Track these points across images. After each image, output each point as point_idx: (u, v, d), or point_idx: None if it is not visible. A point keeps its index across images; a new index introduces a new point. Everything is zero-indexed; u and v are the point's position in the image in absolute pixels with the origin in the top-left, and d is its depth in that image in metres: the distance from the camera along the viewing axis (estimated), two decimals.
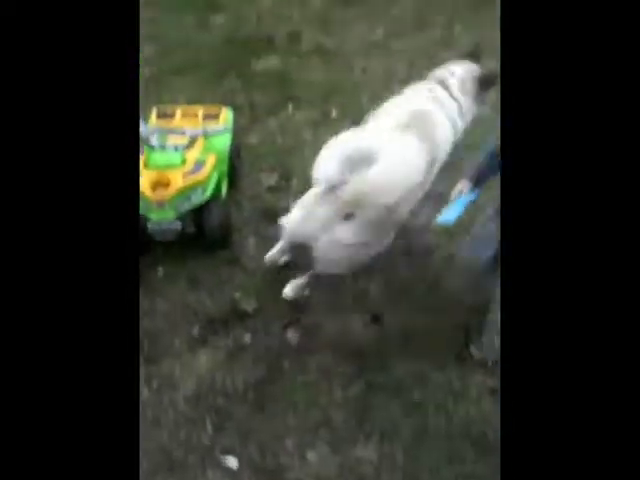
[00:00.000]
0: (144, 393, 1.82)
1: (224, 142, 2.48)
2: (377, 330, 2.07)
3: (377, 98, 3.33)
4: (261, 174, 2.72)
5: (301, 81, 3.43)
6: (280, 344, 2.01)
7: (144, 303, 2.07)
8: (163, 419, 1.76)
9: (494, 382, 1.87)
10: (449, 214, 1.84)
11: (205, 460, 1.64)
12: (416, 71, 3.61)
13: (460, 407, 1.82)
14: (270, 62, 3.62)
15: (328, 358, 1.96)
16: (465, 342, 2.01)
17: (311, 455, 1.70)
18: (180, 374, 1.88)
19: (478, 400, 1.85)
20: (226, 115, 2.60)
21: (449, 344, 2.02)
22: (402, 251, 2.42)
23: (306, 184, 2.64)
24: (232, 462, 1.66)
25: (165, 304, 2.11)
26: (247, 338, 2.03)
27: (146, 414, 1.76)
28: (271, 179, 2.69)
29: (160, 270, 2.21)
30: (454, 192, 1.87)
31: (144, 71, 3.45)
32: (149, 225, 2.18)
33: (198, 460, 1.65)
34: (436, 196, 2.71)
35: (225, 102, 2.82)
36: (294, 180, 2.71)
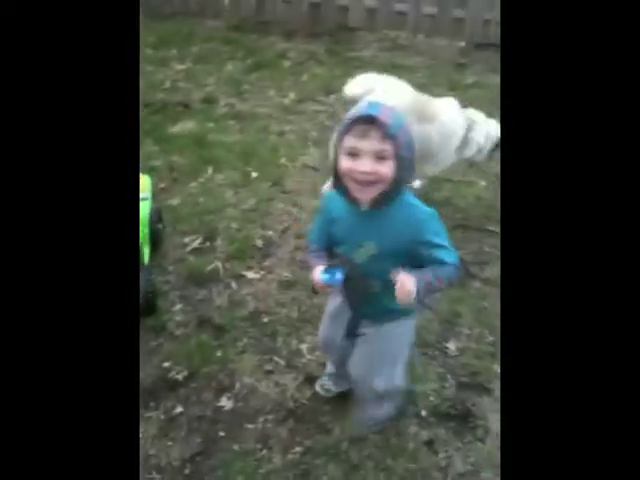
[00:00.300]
0: None
1: (143, 210, 2.43)
2: (311, 391, 2.07)
3: (294, 159, 3.47)
4: (184, 237, 2.69)
5: (219, 144, 3.48)
6: (214, 412, 1.95)
7: None
8: None
9: (428, 433, 1.93)
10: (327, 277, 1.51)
11: None
12: (328, 132, 3.82)
13: (399, 463, 1.85)
14: (187, 126, 3.65)
15: (265, 423, 1.92)
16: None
17: None
18: None
19: (415, 453, 1.88)
20: (144, 182, 2.56)
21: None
22: None
23: (230, 244, 2.66)
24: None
25: None
26: (179, 408, 1.95)
27: None
28: (195, 241, 2.67)
29: None
30: None
31: None
32: None
33: None
34: None
35: (144, 166, 2.79)
36: (218, 241, 2.71)
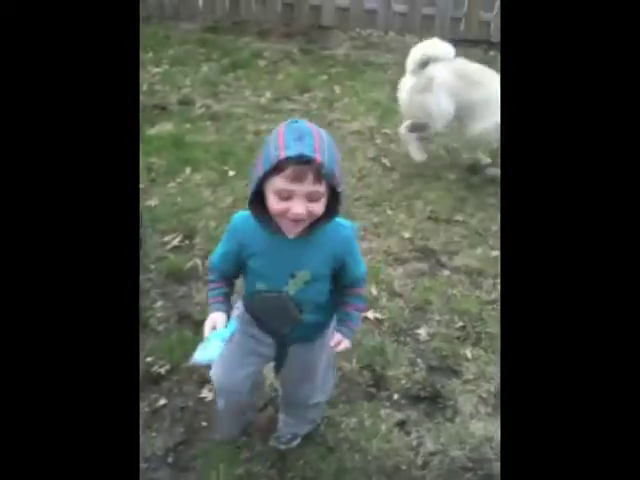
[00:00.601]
0: None
1: None
2: None
3: None
4: (164, 236, 2.76)
5: (196, 144, 3.56)
6: (196, 403, 2.04)
7: None
8: None
9: (401, 415, 2.04)
10: (204, 354, 1.34)
11: None
12: None
13: (373, 444, 1.95)
14: (164, 128, 3.72)
15: None
16: (372, 380, 2.17)
17: None
18: None
19: (388, 434, 1.99)
20: None
21: (357, 384, 2.17)
22: None
23: (210, 242, 2.74)
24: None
25: None
26: (162, 401, 2.03)
27: None
28: (175, 240, 2.75)
29: None
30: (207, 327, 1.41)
31: None
32: None
33: None
34: None
35: None
36: (197, 239, 2.79)
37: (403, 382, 2.17)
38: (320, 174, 1.22)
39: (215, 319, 1.41)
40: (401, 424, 2.02)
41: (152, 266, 2.59)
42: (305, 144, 1.20)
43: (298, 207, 1.24)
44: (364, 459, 1.90)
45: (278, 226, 1.33)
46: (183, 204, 3.02)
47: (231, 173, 3.33)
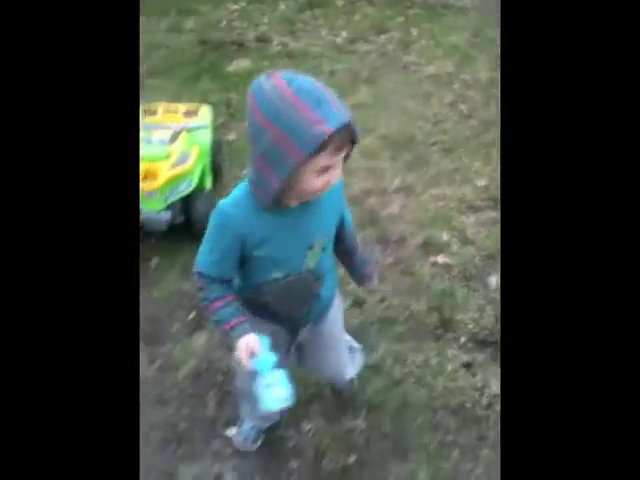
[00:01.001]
0: (147, 373, 1.92)
1: (205, 136, 2.59)
2: (359, 314, 2.23)
3: (345, 98, 3.52)
4: (242, 170, 2.83)
5: None
6: None
7: (141, 292, 2.14)
8: (166, 396, 1.86)
9: (468, 357, 2.07)
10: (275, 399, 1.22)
11: (209, 432, 1.74)
12: (380, 72, 3.84)
13: (439, 381, 2.00)
14: (242, 64, 3.74)
15: None
16: (439, 322, 2.20)
17: (306, 426, 1.83)
18: (180, 355, 1.98)
19: (454, 374, 2.03)
20: (205, 111, 2.71)
21: (425, 325, 2.20)
22: (376, 239, 2.60)
23: None
24: (234, 433, 1.76)
25: (161, 292, 2.20)
26: None
27: (150, 392, 1.86)
28: None
29: (154, 261, 2.29)
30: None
31: None
32: (140, 216, 2.26)
33: (202, 433, 1.76)
34: (407, 188, 2.92)
35: (202, 102, 2.91)
36: None
37: (470, 326, 2.18)
38: (354, 136, 1.09)
39: (251, 345, 1.20)
40: (467, 365, 2.05)
41: None
42: (332, 107, 1.03)
43: (337, 177, 1.12)
44: (429, 395, 1.95)
45: (278, 200, 1.15)
46: None
47: None
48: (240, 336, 1.22)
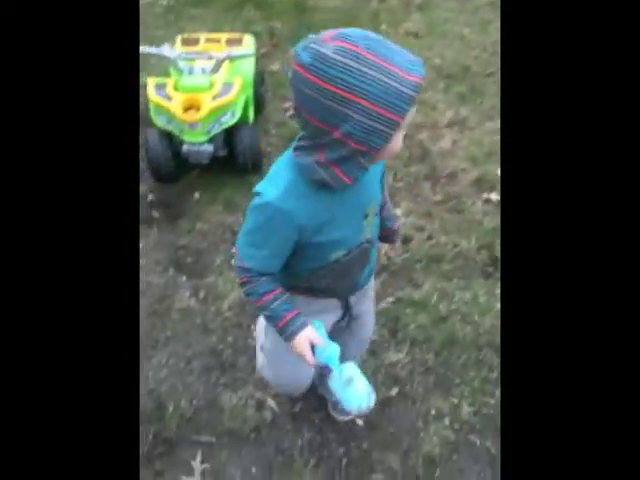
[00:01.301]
0: (191, 304, 1.94)
1: (249, 66, 2.50)
2: (405, 251, 2.17)
3: (396, 25, 3.33)
4: (285, 102, 2.74)
5: (319, 9, 3.40)
6: None
7: (184, 224, 2.14)
8: (211, 325, 1.88)
9: None
10: (358, 398, 1.16)
11: (252, 361, 1.75)
12: None
13: (486, 319, 1.94)
14: None
15: None
16: (489, 260, 2.11)
17: None
18: (223, 287, 1.99)
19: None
20: (248, 40, 2.61)
21: (474, 262, 2.12)
22: (425, 176, 2.50)
23: None
24: None
25: (204, 225, 2.19)
26: None
27: (195, 321, 1.89)
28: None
29: (197, 194, 2.28)
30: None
31: (162, 2, 3.40)
32: (184, 147, 2.23)
33: (246, 361, 1.78)
34: (460, 122, 2.77)
35: (245, 31, 2.81)
36: None
37: None
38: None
39: (311, 338, 1.13)
40: None
41: (273, 131, 2.60)
42: (403, 53, 0.91)
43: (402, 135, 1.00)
44: (475, 332, 1.90)
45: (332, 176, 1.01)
46: None
47: None
48: (297, 332, 1.13)
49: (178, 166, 2.32)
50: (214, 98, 2.24)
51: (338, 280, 1.23)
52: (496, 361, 1.81)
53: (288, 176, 1.05)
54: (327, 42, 0.89)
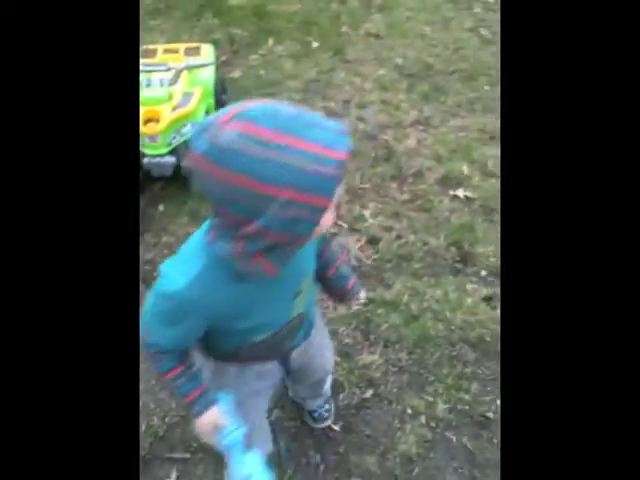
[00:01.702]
0: None
1: (208, 74, 2.48)
2: (374, 253, 2.17)
3: (357, 27, 3.34)
4: None
5: (279, 14, 3.39)
6: None
7: (149, 238, 2.11)
8: None
9: (488, 291, 2.00)
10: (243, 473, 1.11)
11: None
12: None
13: (457, 315, 1.94)
14: None
15: None
16: (459, 256, 2.13)
17: None
18: None
19: (474, 307, 1.97)
20: (207, 49, 2.60)
21: (443, 260, 2.13)
22: (392, 176, 2.50)
23: None
24: None
25: (170, 238, 2.16)
26: None
27: None
28: None
29: (161, 207, 2.25)
30: None
31: None
32: (145, 161, 2.20)
33: None
34: (423, 121, 2.79)
35: (204, 40, 2.79)
36: None
37: (492, 260, 2.11)
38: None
39: (214, 420, 1.06)
40: (487, 299, 1.98)
41: None
42: (324, 123, 0.79)
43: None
44: (447, 328, 1.90)
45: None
46: (266, 76, 2.93)
47: (315, 44, 3.17)
48: (202, 412, 1.06)
49: (141, 179, 2.28)
50: (173, 109, 2.22)
51: (267, 353, 1.16)
52: (471, 356, 1.82)
53: (201, 261, 0.91)
54: (225, 126, 0.76)
